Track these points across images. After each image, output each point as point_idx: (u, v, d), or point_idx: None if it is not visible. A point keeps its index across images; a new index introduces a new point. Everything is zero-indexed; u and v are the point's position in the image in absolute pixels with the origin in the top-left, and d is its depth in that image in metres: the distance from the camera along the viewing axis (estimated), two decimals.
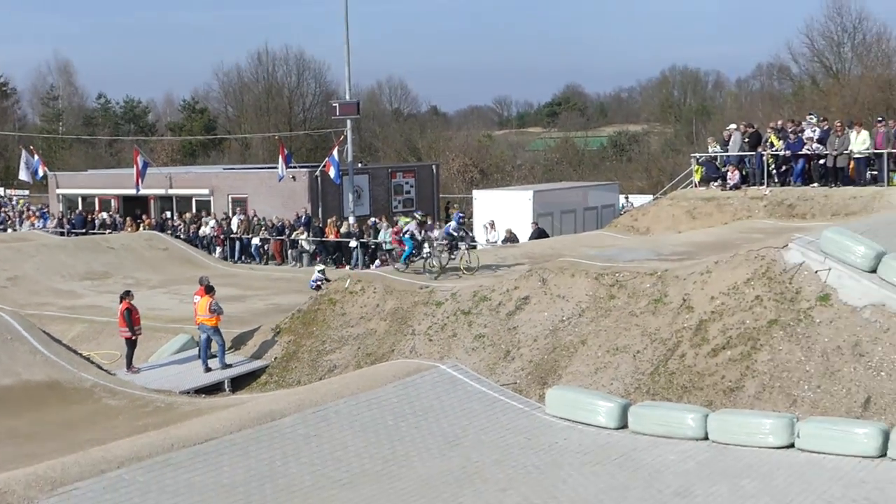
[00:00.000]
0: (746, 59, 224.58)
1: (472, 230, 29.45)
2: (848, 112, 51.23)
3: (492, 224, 37.23)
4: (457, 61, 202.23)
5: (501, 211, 38.23)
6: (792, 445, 17.15)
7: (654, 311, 21.45)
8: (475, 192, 43.65)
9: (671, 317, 21.16)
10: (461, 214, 30.41)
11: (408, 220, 31.21)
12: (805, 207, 30.22)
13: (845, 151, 31.04)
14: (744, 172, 33.47)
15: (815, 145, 32.06)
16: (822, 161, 31.66)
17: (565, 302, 22.46)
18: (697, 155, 36.49)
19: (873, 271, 20.19)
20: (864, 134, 31.36)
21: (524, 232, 36.89)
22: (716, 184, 33.59)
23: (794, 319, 19.95)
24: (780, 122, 35.34)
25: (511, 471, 17.01)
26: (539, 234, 36.20)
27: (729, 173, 33.28)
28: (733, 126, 35.45)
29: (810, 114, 36.28)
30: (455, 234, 27.36)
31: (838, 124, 32.55)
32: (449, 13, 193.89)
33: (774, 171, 32.98)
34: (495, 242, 36.29)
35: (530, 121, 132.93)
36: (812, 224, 25.43)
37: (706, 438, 17.82)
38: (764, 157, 33.05)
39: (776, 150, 32.95)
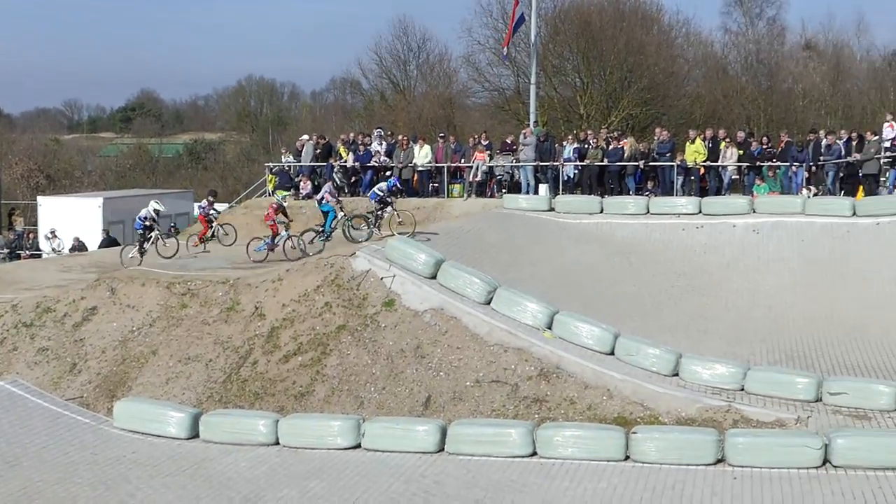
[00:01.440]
0: (321, 72, 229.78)
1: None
2: (413, 127, 53.58)
3: (53, 233, 35.46)
4: (20, 60, 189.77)
5: (69, 218, 36.48)
6: (359, 445, 17.68)
7: (226, 320, 21.33)
8: (40, 199, 41.18)
9: (243, 324, 21.15)
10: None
11: (285, 192, 29.70)
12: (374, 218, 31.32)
13: (409, 164, 32.47)
14: (315, 183, 34.08)
15: (382, 158, 33.27)
16: (388, 173, 32.90)
17: (135, 312, 21.82)
18: (271, 164, 36.73)
19: (433, 277, 21.26)
20: (427, 148, 32.94)
21: (94, 240, 35.48)
22: (289, 193, 33.95)
23: (362, 324, 20.56)
24: (350, 135, 36.29)
25: (76, 488, 16.29)
26: (109, 242, 34.92)
27: (301, 183, 33.76)
28: (306, 137, 35.91)
29: (378, 127, 37.53)
30: (381, 193, 26.12)
31: (403, 138, 34.00)
32: (10, 7, 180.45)
33: (345, 183, 33.83)
34: (60, 251, 34.62)
35: (103, 125, 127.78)
36: (381, 233, 26.34)
37: (277, 443, 17.98)
38: (334, 169, 33.86)
39: (345, 162, 33.87)
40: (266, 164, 38.02)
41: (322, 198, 26.83)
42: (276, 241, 25.28)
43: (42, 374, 20.64)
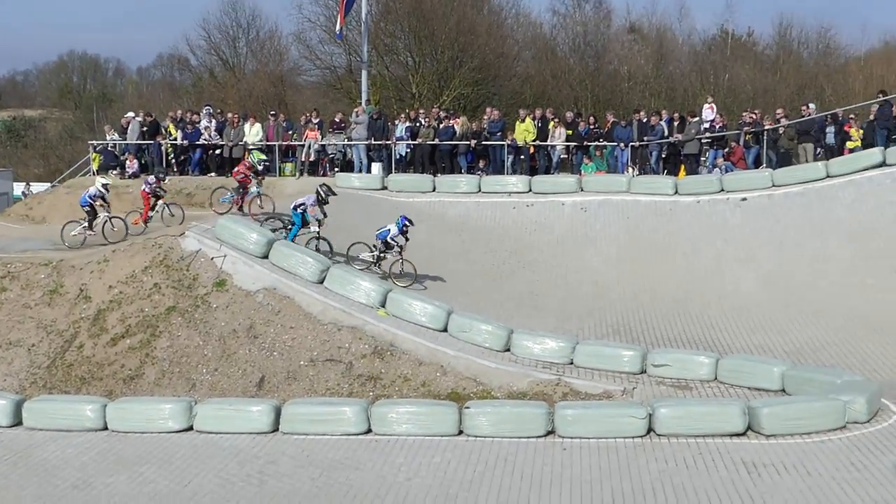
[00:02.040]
0: (147, 48, 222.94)
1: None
2: (243, 104, 52.89)
3: None
4: None
5: None
6: (191, 428, 17.39)
7: (49, 303, 20.71)
8: None
9: (68, 307, 20.56)
10: (406, 219, 23.13)
11: (262, 156, 27.09)
12: (203, 196, 30.61)
13: (240, 143, 32.00)
14: (143, 161, 33.30)
15: (212, 135, 32.72)
16: (218, 151, 32.38)
17: None
18: (95, 143, 35.67)
19: (265, 257, 21.10)
20: (258, 126, 32.52)
21: None
22: (115, 172, 33.05)
23: (193, 305, 20.26)
24: (178, 112, 35.59)
25: None
26: None
27: (128, 162, 32.93)
28: (132, 114, 35.10)
29: (207, 105, 36.90)
30: (393, 241, 22.80)
31: (234, 116, 33.51)
32: None
33: (174, 161, 33.18)
34: None
35: None
36: (211, 213, 25.88)
37: (106, 429, 17.51)
38: (162, 146, 33.14)
39: (174, 140, 33.19)
40: (90, 143, 36.89)
41: (302, 205, 23.14)
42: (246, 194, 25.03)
43: None
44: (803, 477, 14.37)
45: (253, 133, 32.36)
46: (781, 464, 14.99)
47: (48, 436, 17.31)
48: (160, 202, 25.86)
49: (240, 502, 14.63)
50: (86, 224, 24.06)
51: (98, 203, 24.20)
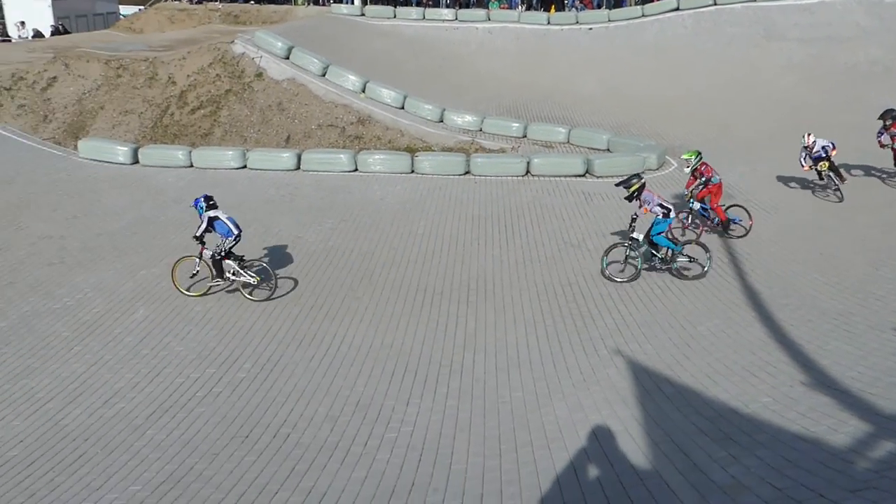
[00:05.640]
0: None
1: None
2: None
3: (22, 24, 31.34)
4: None
5: (28, 14, 32.21)
6: (245, 166, 17.35)
7: (150, 86, 19.92)
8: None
9: (162, 89, 19.82)
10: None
11: (692, 153, 13.27)
12: (246, 17, 29.01)
13: None
14: None
15: None
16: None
17: (85, 80, 20.01)
18: None
19: (287, 58, 20.32)
20: None
21: (48, 30, 31.58)
22: None
23: (242, 89, 19.64)
24: None
25: (59, 196, 15.45)
26: (60, 32, 31.19)
27: None
28: None
29: None
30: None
31: None
32: None
33: None
34: (27, 38, 30.74)
35: None
36: (251, 28, 24.62)
37: (191, 166, 17.41)
38: None
39: None
40: None
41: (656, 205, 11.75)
42: None
43: (23, 123, 18.94)
44: (618, 202, 14.87)
45: None
46: (605, 194, 15.47)
47: (155, 170, 17.21)
48: None
49: (279, 209, 14.85)
50: None
51: None
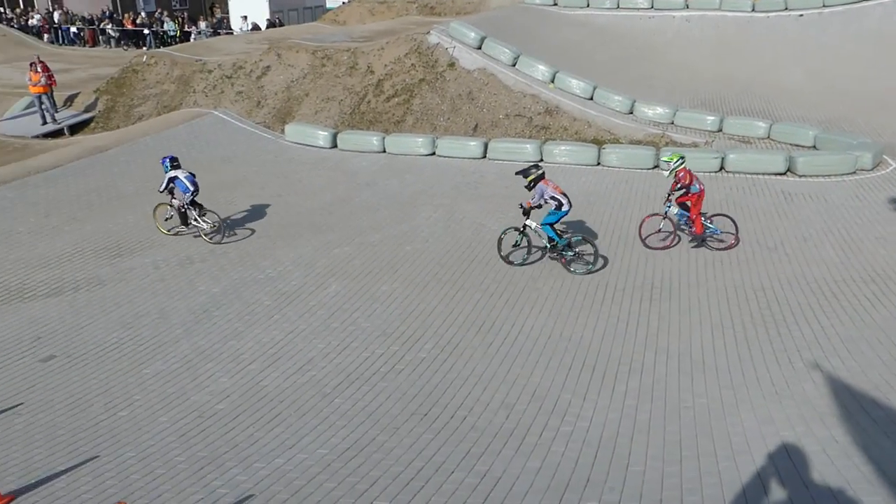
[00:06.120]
0: None
1: None
2: None
3: (245, 18, 34.28)
4: None
5: (249, 9, 35.15)
6: (434, 153, 17.83)
7: (350, 75, 20.98)
8: None
9: (360, 78, 20.80)
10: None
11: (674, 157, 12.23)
12: (441, 8, 29.75)
13: None
14: None
15: None
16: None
17: (293, 69, 21.48)
18: None
19: (479, 48, 20.56)
20: None
21: (264, 23, 34.31)
22: None
23: (434, 78, 20.13)
24: None
25: (267, 176, 16.71)
26: (274, 25, 33.78)
27: None
28: None
29: None
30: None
31: None
32: None
33: None
34: (246, 31, 33.59)
35: None
36: (445, 19, 25.22)
37: (385, 151, 18.16)
38: None
39: None
40: None
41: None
42: None
43: (240, 108, 20.68)
44: (822, 203, 13.73)
45: None
46: (808, 194, 14.31)
47: (351, 154, 18.13)
48: None
49: (464, 196, 15.11)
50: None
51: None
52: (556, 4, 27.53)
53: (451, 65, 20.35)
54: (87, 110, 22.22)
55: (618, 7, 26.73)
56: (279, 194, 15.46)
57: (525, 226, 11.86)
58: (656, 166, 16.25)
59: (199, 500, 6.80)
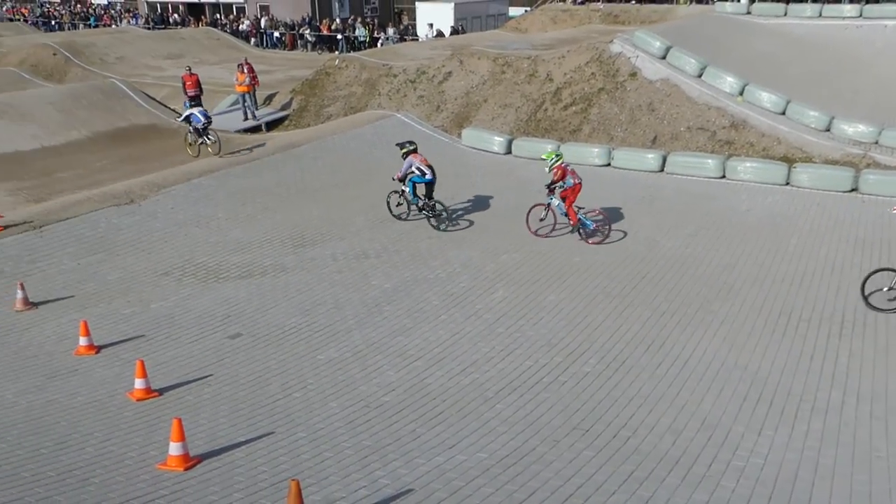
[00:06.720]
0: None
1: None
2: None
3: (430, 25, 35.44)
4: None
5: (435, 17, 36.27)
6: (609, 164, 17.45)
7: (528, 82, 21.00)
8: (418, 4, 40.95)
9: (539, 85, 20.77)
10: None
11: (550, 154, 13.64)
12: (625, 17, 29.19)
13: None
14: None
15: None
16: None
17: (474, 75, 21.84)
18: None
19: (664, 58, 19.85)
20: None
21: (448, 30, 35.28)
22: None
23: (614, 88, 19.70)
24: None
25: (444, 176, 17.03)
26: (458, 32, 34.64)
27: None
28: None
29: None
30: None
31: None
32: None
33: None
34: (431, 37, 34.67)
35: None
36: (629, 28, 24.63)
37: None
38: None
39: None
40: None
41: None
42: None
43: (421, 112, 21.31)
44: None
45: None
46: None
47: (524, 161, 18.11)
48: None
49: (639, 210, 14.64)
50: None
51: None
52: (748, 13, 26.06)
53: (633, 74, 19.80)
54: (282, 109, 23.86)
55: (820, 15, 24.85)
56: (452, 196, 15.76)
57: (403, 190, 14.24)
58: (854, 189, 14.90)
59: (363, 488, 7.04)
